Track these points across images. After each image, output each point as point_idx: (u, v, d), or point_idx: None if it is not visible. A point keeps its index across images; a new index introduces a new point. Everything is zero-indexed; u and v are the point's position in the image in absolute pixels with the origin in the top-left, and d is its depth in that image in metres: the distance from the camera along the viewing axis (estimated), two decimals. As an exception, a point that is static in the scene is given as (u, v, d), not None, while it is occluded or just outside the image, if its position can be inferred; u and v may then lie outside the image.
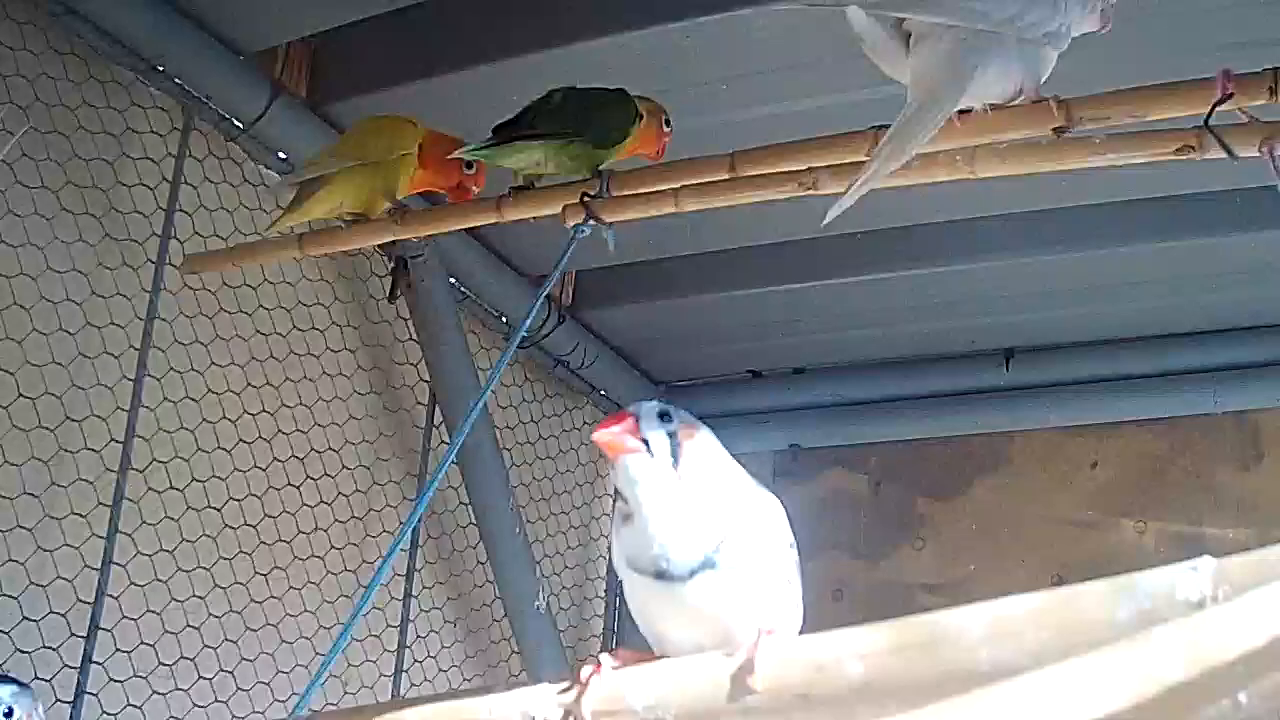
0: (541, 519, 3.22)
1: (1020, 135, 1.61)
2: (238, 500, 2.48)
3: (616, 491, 1.18)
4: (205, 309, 2.48)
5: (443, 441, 2.92)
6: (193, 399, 2.43)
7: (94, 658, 2.17)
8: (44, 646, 2.13)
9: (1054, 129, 1.56)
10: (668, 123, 2.08)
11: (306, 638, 2.56)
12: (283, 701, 2.46)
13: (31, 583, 2.13)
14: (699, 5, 2.32)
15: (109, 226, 2.35)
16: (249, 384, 2.54)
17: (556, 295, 3.21)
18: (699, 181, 1.85)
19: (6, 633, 2.09)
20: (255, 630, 2.47)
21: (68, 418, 2.23)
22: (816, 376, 3.52)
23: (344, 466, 2.73)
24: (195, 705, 2.35)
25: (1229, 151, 1.50)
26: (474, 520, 2.95)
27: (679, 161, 1.90)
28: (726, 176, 1.83)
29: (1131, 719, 0.69)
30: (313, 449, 2.66)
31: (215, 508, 2.44)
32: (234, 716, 2.41)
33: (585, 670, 1.13)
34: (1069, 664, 0.69)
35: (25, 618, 2.11)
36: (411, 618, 2.81)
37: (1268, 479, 3.09)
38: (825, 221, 1.50)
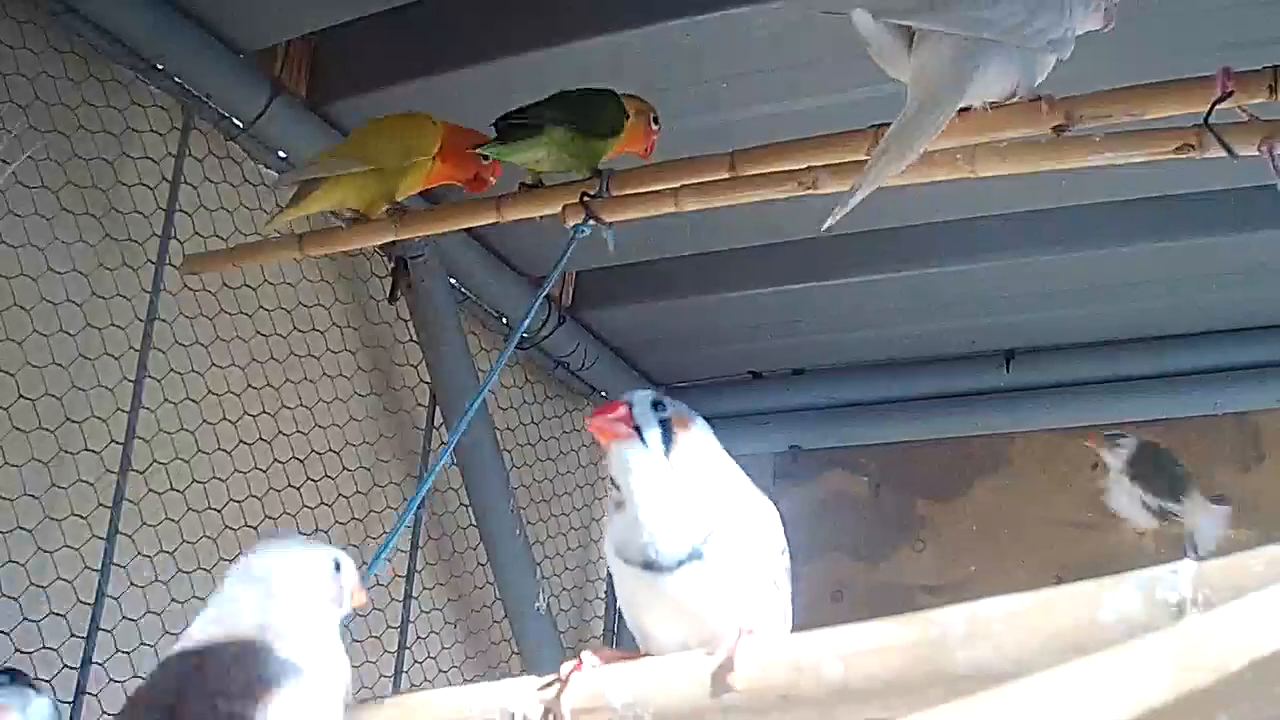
0: (542, 520, 3.22)
1: (1020, 134, 1.62)
2: (238, 501, 2.48)
3: (610, 480, 1.18)
4: (205, 310, 2.48)
5: (442, 442, 2.92)
6: (193, 400, 2.43)
7: (94, 658, 2.17)
8: (44, 647, 2.13)
9: (1054, 127, 1.56)
10: (656, 120, 2.09)
11: (306, 638, 2.55)
12: (283, 702, 2.45)
13: (32, 583, 2.13)
14: (699, 4, 2.32)
15: (109, 227, 2.34)
16: (249, 385, 2.54)
17: (556, 296, 3.22)
18: (699, 181, 1.85)
19: (7, 633, 2.09)
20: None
21: (68, 419, 2.23)
22: (816, 377, 3.51)
23: (344, 468, 2.73)
24: (195, 706, 2.34)
25: (1229, 150, 1.50)
26: (474, 521, 2.95)
27: (679, 161, 1.90)
28: (726, 176, 1.84)
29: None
30: (313, 450, 2.66)
31: (215, 509, 2.44)
32: (234, 717, 2.41)
33: (566, 667, 1.13)
34: (1047, 682, 0.69)
35: (25, 618, 2.11)
36: (412, 619, 2.80)
37: (1268, 480, 3.08)
38: (826, 225, 1.50)
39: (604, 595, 3.41)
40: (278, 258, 2.35)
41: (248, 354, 2.55)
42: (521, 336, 3.07)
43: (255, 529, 2.50)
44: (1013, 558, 3.21)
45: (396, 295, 2.85)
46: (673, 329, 3.34)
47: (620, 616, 3.41)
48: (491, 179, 2.12)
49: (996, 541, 3.27)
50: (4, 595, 2.09)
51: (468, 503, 2.95)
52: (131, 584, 2.26)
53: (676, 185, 1.87)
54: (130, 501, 2.26)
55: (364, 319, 2.86)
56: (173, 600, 2.32)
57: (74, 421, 2.23)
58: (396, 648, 2.77)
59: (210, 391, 2.47)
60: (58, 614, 2.15)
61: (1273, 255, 2.78)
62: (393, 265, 2.83)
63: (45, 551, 2.15)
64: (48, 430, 2.19)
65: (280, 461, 2.58)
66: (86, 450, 2.24)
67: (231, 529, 2.46)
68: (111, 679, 2.20)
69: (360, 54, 2.59)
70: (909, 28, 1.53)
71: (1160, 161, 1.59)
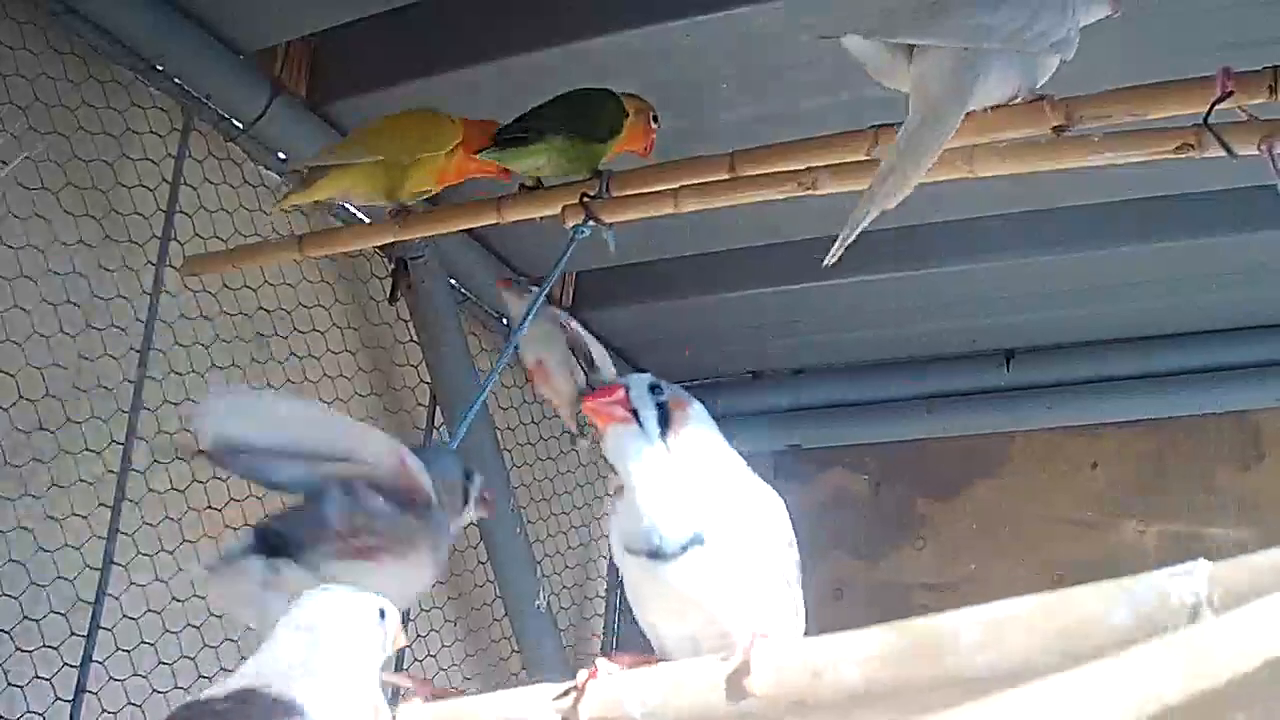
0: (542, 519, 3.22)
1: (1020, 134, 1.61)
2: (238, 501, 2.48)
3: (610, 467, 1.18)
4: (205, 310, 2.48)
5: (443, 442, 2.92)
6: (193, 400, 2.43)
7: (94, 657, 2.17)
8: (44, 646, 2.13)
9: (1053, 128, 1.56)
10: (655, 119, 2.09)
11: (307, 638, 2.55)
12: (283, 702, 2.45)
13: (32, 582, 2.13)
14: (699, 4, 2.32)
15: (109, 228, 2.34)
16: (249, 385, 2.54)
17: (556, 296, 3.22)
18: (699, 181, 1.85)
19: (7, 632, 2.09)
20: (255, 631, 2.46)
21: (68, 419, 2.23)
22: (816, 376, 3.51)
23: (344, 467, 2.73)
24: (196, 706, 2.34)
25: (1228, 150, 1.50)
26: (474, 521, 2.94)
27: (679, 161, 1.91)
28: (726, 176, 1.84)
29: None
30: (313, 449, 2.65)
31: (216, 508, 2.43)
32: (234, 717, 2.41)
33: (582, 675, 1.13)
34: (1060, 685, 0.69)
35: (26, 617, 2.11)
36: (412, 617, 2.80)
37: (1268, 479, 3.09)
38: (832, 258, 1.48)
39: (604, 594, 3.41)
40: (278, 259, 2.35)
41: (248, 354, 2.56)
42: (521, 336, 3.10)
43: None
44: (1013, 556, 3.22)
45: (396, 296, 2.85)
46: (673, 329, 3.34)
47: (620, 616, 3.43)
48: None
49: (996, 540, 3.27)
50: (4, 594, 2.09)
51: (468, 502, 2.94)
52: (131, 584, 2.26)
53: (676, 186, 1.87)
54: (131, 501, 2.27)
55: (364, 319, 2.86)
56: (173, 600, 2.33)
57: (74, 421, 2.23)
58: (397, 647, 2.77)
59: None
60: (58, 613, 2.16)
61: (1273, 255, 2.78)
62: (393, 266, 2.83)
63: (45, 551, 2.16)
64: (48, 431, 2.19)
65: (280, 461, 2.57)
66: (86, 450, 2.24)
67: (232, 529, 2.46)
68: (112, 678, 2.20)
69: (360, 54, 2.59)
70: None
71: (1160, 161, 1.59)
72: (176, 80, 2.42)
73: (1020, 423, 3.31)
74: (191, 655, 2.34)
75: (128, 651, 2.24)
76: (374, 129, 2.15)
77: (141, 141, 2.41)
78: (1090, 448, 3.26)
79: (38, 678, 2.11)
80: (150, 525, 2.31)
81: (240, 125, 2.52)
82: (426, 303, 2.84)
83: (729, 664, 1.06)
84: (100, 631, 2.19)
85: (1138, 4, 1.65)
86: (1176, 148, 1.54)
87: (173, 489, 2.37)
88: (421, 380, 2.94)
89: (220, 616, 2.41)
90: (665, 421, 1.15)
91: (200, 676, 2.35)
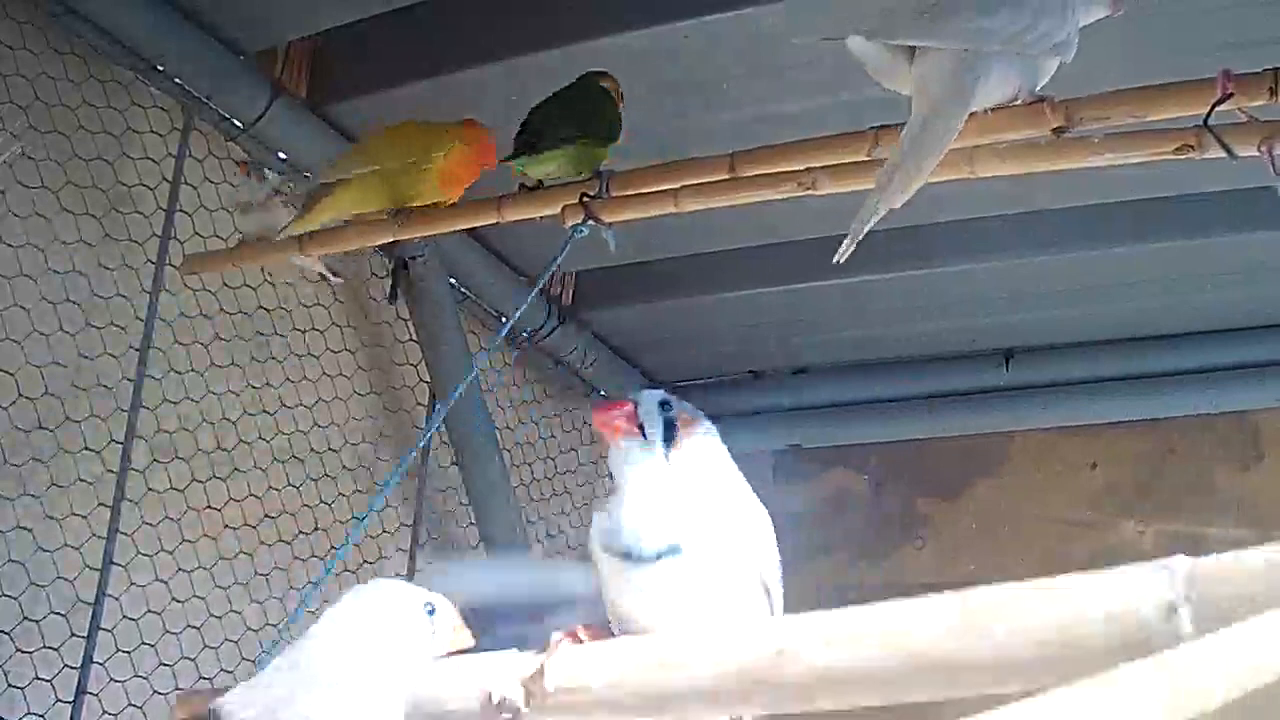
0: (542, 519, 3.22)
1: (1020, 135, 1.61)
2: (238, 501, 2.48)
3: (609, 474, 1.19)
4: (205, 310, 2.48)
5: (443, 442, 2.92)
6: (193, 399, 2.43)
7: (94, 658, 2.17)
8: (44, 647, 2.13)
9: (1053, 129, 1.55)
10: (621, 96, 2.11)
11: (307, 638, 2.55)
12: (283, 701, 2.46)
13: (32, 583, 2.13)
14: (701, 4, 2.32)
15: (109, 227, 2.35)
16: (249, 384, 2.54)
17: (556, 296, 3.22)
18: (699, 181, 1.85)
19: (7, 633, 2.09)
20: (256, 631, 2.47)
21: (68, 418, 2.23)
22: (816, 376, 3.52)
23: (344, 467, 2.73)
24: (195, 705, 2.35)
25: (1228, 151, 1.50)
26: (474, 521, 2.95)
27: (679, 161, 1.90)
28: (726, 176, 1.83)
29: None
30: (313, 449, 2.66)
31: (215, 508, 2.44)
32: (234, 716, 2.41)
33: (555, 636, 1.14)
34: (1030, 710, 0.68)
35: (26, 618, 2.11)
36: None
37: (1268, 479, 3.09)
38: (841, 256, 1.48)
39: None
40: (278, 258, 2.35)
41: (248, 353, 2.56)
42: (522, 336, 3.10)
43: (255, 529, 2.51)
44: (1013, 555, 3.22)
45: (396, 295, 2.85)
46: (673, 328, 3.34)
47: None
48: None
49: (997, 540, 3.27)
50: (4, 595, 2.09)
51: (467, 503, 2.95)
52: (131, 584, 2.27)
53: (676, 186, 1.86)
54: (130, 501, 2.27)
55: (364, 319, 2.86)
56: (173, 600, 2.33)
57: (74, 421, 2.24)
58: (396, 647, 2.77)
59: (210, 391, 2.47)
60: (58, 614, 2.16)
61: (1272, 255, 2.78)
62: (393, 265, 2.84)
63: (45, 551, 2.16)
64: (48, 430, 2.19)
65: (280, 461, 2.58)
66: (86, 449, 2.24)
67: (232, 528, 2.47)
68: (112, 678, 2.20)
69: (361, 55, 2.59)
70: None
71: (1159, 162, 1.59)
72: (177, 80, 2.42)
73: (1020, 422, 3.31)
74: (192, 656, 2.34)
75: (128, 652, 2.24)
76: (371, 142, 2.15)
77: (142, 141, 2.41)
78: (1090, 448, 3.26)
79: (38, 679, 2.11)
80: (150, 525, 2.31)
81: (240, 125, 2.52)
82: (426, 302, 2.84)
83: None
84: (100, 632, 2.19)
85: (1138, 4, 1.65)
86: (1176, 149, 1.54)
87: (172, 489, 2.37)
88: (421, 380, 2.94)
89: (220, 617, 2.42)
90: (670, 438, 1.17)
91: (201, 677, 2.35)
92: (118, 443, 2.27)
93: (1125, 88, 1.56)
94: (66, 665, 2.15)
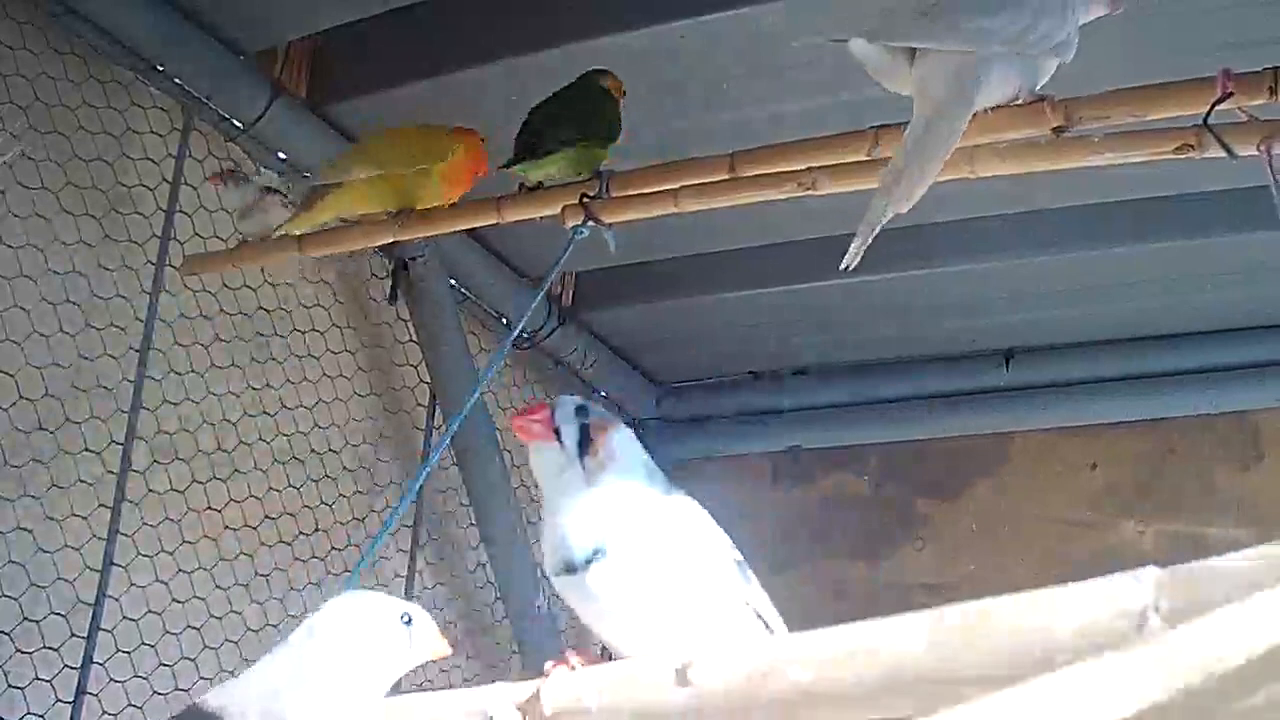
0: (542, 519, 3.21)
1: (1020, 135, 1.61)
2: (238, 502, 2.48)
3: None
4: (205, 310, 2.48)
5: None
6: (193, 400, 2.43)
7: (94, 658, 2.17)
8: (44, 647, 2.13)
9: (1053, 128, 1.56)
10: (623, 93, 2.11)
11: (307, 638, 2.55)
12: (283, 702, 2.46)
13: (32, 584, 2.13)
14: (700, 4, 2.32)
15: (109, 228, 2.35)
16: (249, 385, 2.54)
17: (557, 296, 3.22)
18: (699, 182, 1.85)
19: (7, 633, 2.09)
20: (256, 631, 2.47)
21: (68, 419, 2.23)
22: (816, 377, 3.51)
23: (344, 468, 2.73)
24: (196, 706, 2.34)
25: (1228, 150, 1.50)
26: (474, 521, 2.95)
27: (679, 161, 1.90)
28: (726, 176, 1.84)
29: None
30: (313, 450, 2.66)
31: (215, 509, 2.44)
32: (234, 717, 2.41)
33: (548, 665, 1.15)
34: (1002, 702, 0.68)
35: (26, 618, 2.11)
36: (412, 618, 2.80)
37: (1268, 479, 3.08)
38: (852, 260, 1.49)
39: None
40: (278, 258, 2.35)
41: (248, 354, 2.56)
42: (522, 336, 3.10)
43: (255, 529, 2.51)
44: (1012, 556, 3.21)
45: (396, 296, 2.85)
46: (673, 329, 3.34)
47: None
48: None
49: (996, 540, 3.27)
50: (4, 595, 2.09)
51: (467, 503, 2.95)
52: (131, 584, 2.27)
53: (676, 186, 1.87)
54: (130, 502, 2.27)
55: (364, 319, 2.86)
56: (173, 600, 2.33)
57: (74, 421, 2.24)
58: (397, 648, 2.77)
59: (210, 392, 2.47)
60: (58, 614, 2.16)
61: (1272, 255, 2.78)
62: (393, 266, 2.84)
63: (45, 551, 2.16)
64: (48, 431, 2.19)
65: (280, 462, 2.58)
66: (86, 450, 2.24)
67: (232, 529, 2.47)
68: (112, 679, 2.20)
69: (360, 55, 2.59)
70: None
71: (1159, 162, 1.59)
72: (177, 80, 2.42)
73: (1020, 423, 3.31)
74: (192, 656, 2.35)
75: (128, 653, 2.24)
76: (371, 144, 2.15)
77: (142, 141, 2.41)
78: (1089, 448, 3.26)
79: (38, 679, 2.11)
80: (150, 526, 2.31)
81: (240, 125, 2.52)
82: (426, 303, 2.84)
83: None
84: (100, 633, 2.19)
85: (1138, 4, 1.65)
86: (1176, 148, 1.54)
87: (172, 490, 2.37)
88: (421, 380, 2.94)
89: (220, 618, 2.42)
90: (585, 443, 1.18)
91: (201, 678, 2.35)
92: (118, 444, 2.27)
93: (1125, 87, 1.56)
94: (66, 666, 2.15)
